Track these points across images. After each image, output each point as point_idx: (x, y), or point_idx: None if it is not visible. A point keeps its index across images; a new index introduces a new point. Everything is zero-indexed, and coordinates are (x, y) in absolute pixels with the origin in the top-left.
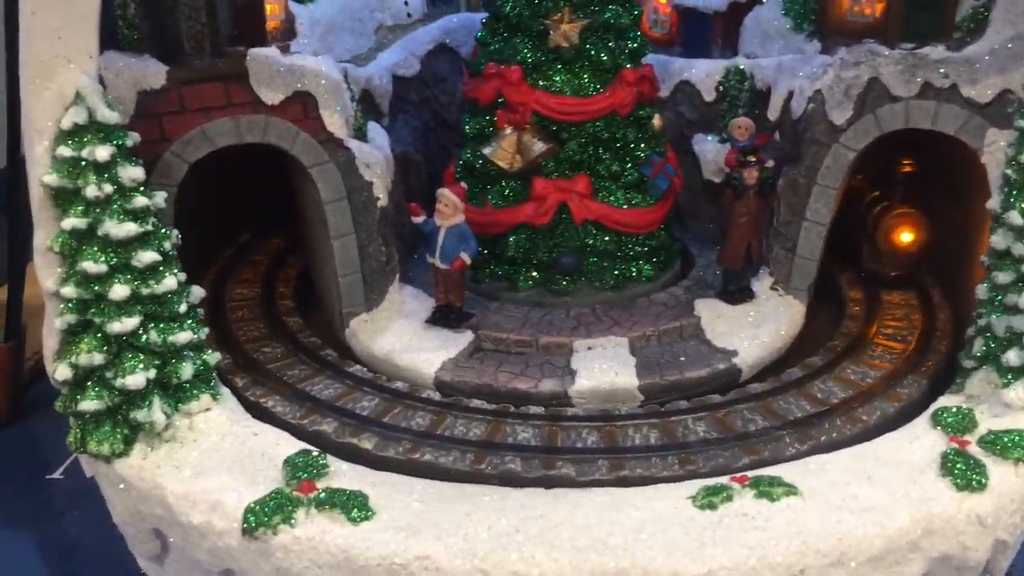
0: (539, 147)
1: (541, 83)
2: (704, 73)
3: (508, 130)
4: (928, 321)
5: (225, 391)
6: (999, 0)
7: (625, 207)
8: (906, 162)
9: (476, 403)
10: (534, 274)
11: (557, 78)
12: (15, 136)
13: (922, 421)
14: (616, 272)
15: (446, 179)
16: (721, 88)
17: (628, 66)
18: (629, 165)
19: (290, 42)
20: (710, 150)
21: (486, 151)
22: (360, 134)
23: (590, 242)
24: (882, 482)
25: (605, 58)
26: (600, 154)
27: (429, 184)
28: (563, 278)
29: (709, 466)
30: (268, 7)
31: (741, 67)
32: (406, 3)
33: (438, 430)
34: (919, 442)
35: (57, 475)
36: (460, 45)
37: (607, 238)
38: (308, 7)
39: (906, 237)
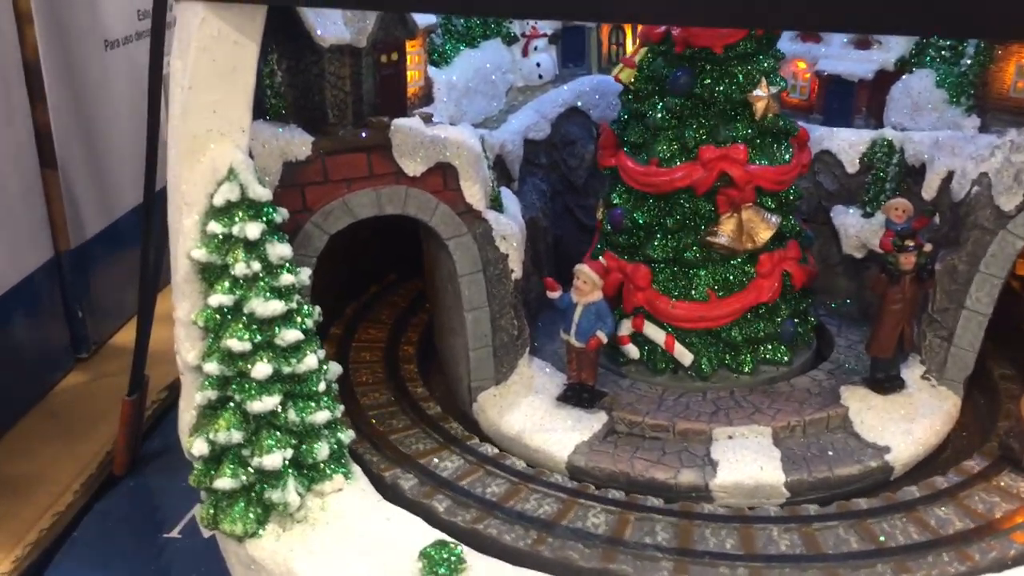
0: (772, 223)
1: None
2: (847, 143)
3: (730, 213)
4: None
5: (356, 470)
6: None
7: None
8: None
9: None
10: (755, 352)
11: (761, 150)
12: (152, 173)
13: None
14: (809, 330)
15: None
16: (865, 160)
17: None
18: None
19: (428, 107)
20: (852, 224)
21: (713, 239)
22: (496, 204)
23: (795, 304)
24: None
25: (788, 123)
26: (787, 216)
27: (555, 248)
28: (786, 348)
29: None
30: (409, 74)
31: (890, 139)
32: (538, 65)
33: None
34: None
35: (175, 534)
36: (591, 108)
37: (804, 296)
38: (444, 71)
39: None
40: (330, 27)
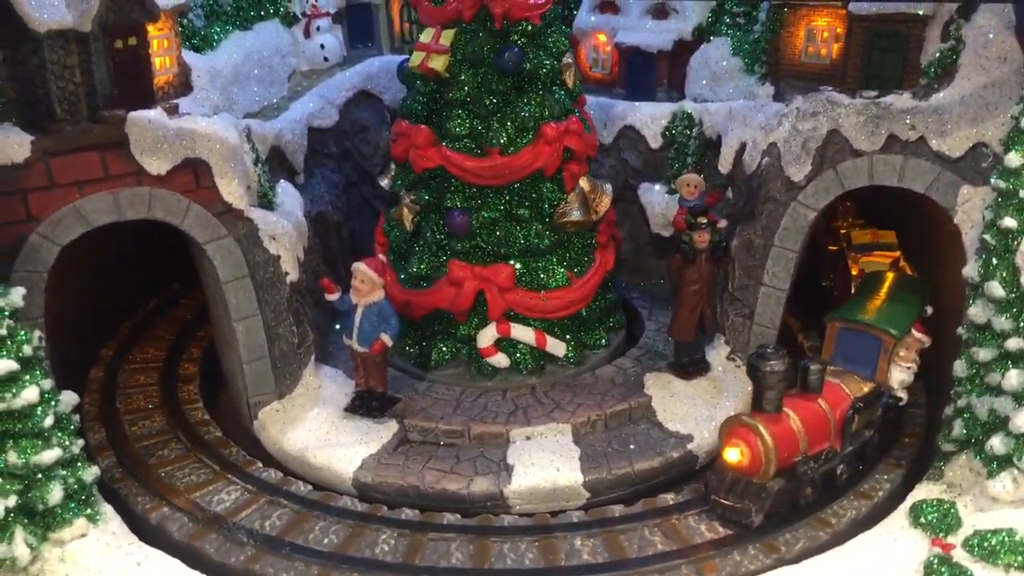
0: (607, 191)
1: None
2: (649, 117)
3: (577, 188)
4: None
5: (106, 509)
6: (969, 43)
7: None
8: (773, 362)
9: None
10: (604, 324)
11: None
12: None
13: (899, 518)
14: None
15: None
16: (668, 134)
17: None
18: None
19: (185, 97)
20: (658, 202)
21: (567, 219)
22: (266, 201)
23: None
24: None
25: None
26: None
27: (352, 244)
28: (621, 316)
29: None
30: (157, 60)
31: (689, 112)
32: (322, 46)
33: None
34: (897, 545)
35: None
36: (383, 91)
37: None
38: (207, 56)
39: (732, 456)
40: (47, 10)
